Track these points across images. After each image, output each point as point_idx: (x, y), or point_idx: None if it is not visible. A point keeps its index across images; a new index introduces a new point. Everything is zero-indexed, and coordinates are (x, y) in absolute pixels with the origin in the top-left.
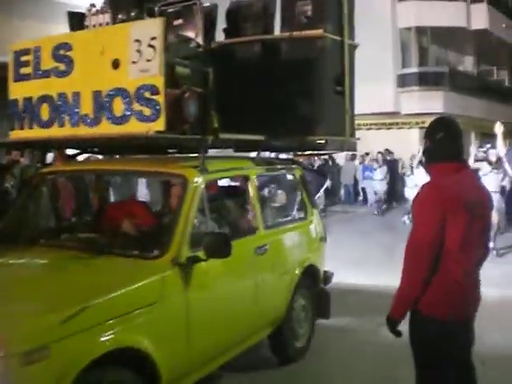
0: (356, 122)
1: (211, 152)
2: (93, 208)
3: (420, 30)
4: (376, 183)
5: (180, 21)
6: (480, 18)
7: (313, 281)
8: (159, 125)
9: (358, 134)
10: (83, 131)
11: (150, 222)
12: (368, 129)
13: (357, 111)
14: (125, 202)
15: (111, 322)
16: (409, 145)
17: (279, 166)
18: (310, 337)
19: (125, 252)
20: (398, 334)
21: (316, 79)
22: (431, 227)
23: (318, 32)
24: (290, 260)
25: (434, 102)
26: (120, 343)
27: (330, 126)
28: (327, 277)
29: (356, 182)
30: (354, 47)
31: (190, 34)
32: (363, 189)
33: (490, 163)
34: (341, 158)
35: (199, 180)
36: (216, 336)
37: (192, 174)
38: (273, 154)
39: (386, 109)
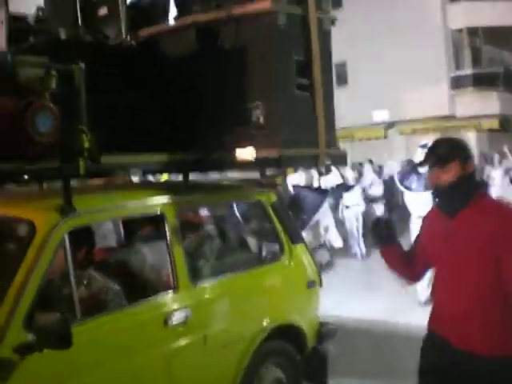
0: (411, 126)
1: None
2: None
3: (471, 31)
4: None
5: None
6: None
7: (295, 343)
8: None
9: (412, 139)
10: None
11: None
12: (423, 133)
13: (411, 116)
14: None
15: None
16: None
17: (230, 193)
18: None
19: None
20: None
21: (265, 71)
22: None
23: (265, 4)
24: (241, 322)
25: (489, 103)
26: None
27: (288, 134)
28: (326, 332)
29: None
30: (328, 22)
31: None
32: None
33: None
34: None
35: (58, 227)
36: None
37: (44, 219)
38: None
39: (441, 112)
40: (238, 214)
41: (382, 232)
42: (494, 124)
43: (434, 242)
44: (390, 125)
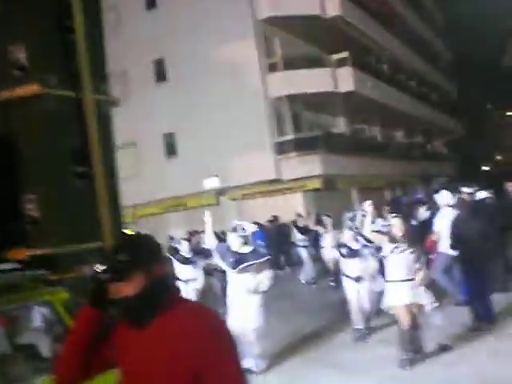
0: (241, 192)
1: None
2: None
3: (291, 98)
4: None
5: None
6: (346, 81)
7: None
8: None
9: (243, 203)
10: None
11: None
12: (253, 198)
13: (240, 181)
14: None
15: None
16: (294, 208)
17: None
18: None
19: None
20: None
21: (36, 159)
22: None
23: (33, 88)
24: None
25: (311, 165)
26: None
27: (67, 228)
28: None
29: None
30: (108, 104)
31: None
32: None
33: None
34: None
35: None
36: None
37: None
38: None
39: (267, 176)
40: (24, 316)
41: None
42: (318, 184)
43: (123, 358)
44: (220, 191)
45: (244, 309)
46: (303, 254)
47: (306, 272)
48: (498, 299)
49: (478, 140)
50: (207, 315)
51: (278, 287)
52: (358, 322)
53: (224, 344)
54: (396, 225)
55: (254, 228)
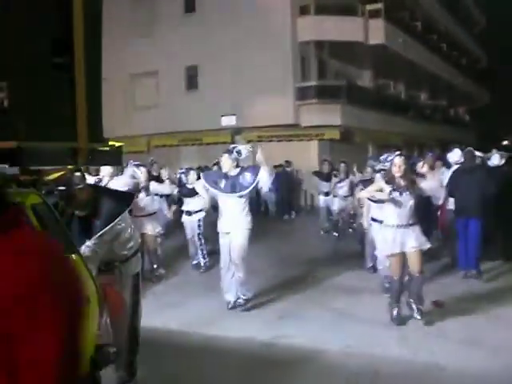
0: (257, 133)
1: None
2: None
3: (319, 45)
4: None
5: None
6: (377, 33)
7: None
8: None
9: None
10: None
11: None
12: (269, 141)
13: (258, 123)
14: None
15: None
16: (309, 156)
17: None
18: None
19: None
20: None
21: (11, 44)
22: None
23: None
24: None
25: (332, 115)
26: None
27: (37, 122)
28: (103, 357)
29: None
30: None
31: None
32: (265, 200)
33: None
34: None
35: None
36: None
37: None
38: None
39: (286, 121)
40: None
41: None
42: (336, 134)
43: None
44: (237, 131)
45: (235, 215)
46: (324, 202)
47: (324, 220)
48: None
49: (502, 112)
50: (39, 253)
51: (284, 232)
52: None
53: (47, 298)
54: (397, 164)
55: (248, 151)
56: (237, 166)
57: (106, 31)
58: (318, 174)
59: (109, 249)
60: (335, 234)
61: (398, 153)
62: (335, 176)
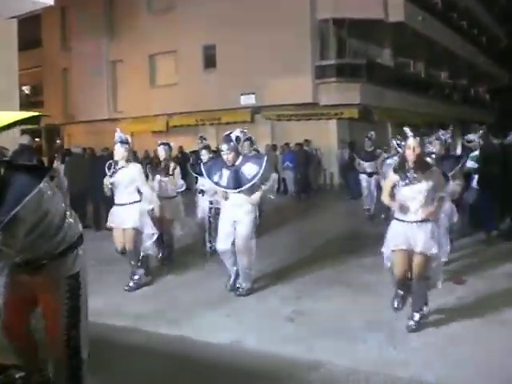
0: (276, 112)
1: None
2: None
3: (338, 22)
4: None
5: None
6: (397, 11)
7: None
8: None
9: (277, 124)
10: None
11: None
12: (288, 120)
13: (277, 102)
14: None
15: None
16: (327, 135)
17: None
18: None
19: None
20: None
21: None
22: None
23: None
24: None
25: (351, 94)
26: None
27: None
28: None
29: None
30: None
31: None
32: (284, 179)
33: None
34: (261, 148)
35: None
36: None
37: None
38: None
39: (305, 99)
40: None
41: None
42: (354, 113)
43: None
44: (256, 110)
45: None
46: (367, 182)
47: (369, 201)
48: None
49: None
50: None
51: (303, 211)
52: None
53: None
54: (411, 146)
55: (244, 134)
56: (238, 154)
57: (125, 12)
58: (358, 153)
59: (30, 243)
60: (383, 216)
61: (412, 134)
62: (385, 151)
